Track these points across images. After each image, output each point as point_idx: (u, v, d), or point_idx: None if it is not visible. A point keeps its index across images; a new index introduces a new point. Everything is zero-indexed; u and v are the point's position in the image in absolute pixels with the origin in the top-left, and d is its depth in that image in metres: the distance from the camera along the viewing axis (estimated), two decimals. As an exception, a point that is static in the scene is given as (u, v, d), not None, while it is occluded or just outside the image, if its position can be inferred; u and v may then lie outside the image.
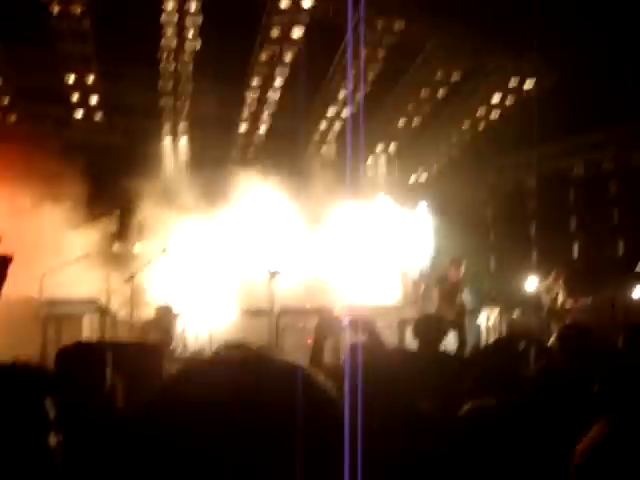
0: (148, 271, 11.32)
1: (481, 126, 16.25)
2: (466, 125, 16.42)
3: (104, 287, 11.32)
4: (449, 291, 11.98)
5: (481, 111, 15.85)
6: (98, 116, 15.05)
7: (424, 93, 15.15)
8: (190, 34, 12.56)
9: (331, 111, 15.75)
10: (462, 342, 11.32)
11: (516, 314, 13.36)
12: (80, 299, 10.82)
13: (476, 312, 12.59)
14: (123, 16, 12.04)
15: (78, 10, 11.76)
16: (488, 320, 12.98)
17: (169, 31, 12.47)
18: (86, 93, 14.22)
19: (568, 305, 12.86)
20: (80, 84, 13.85)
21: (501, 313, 13.05)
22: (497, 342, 6.09)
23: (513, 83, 14.78)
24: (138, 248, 13.59)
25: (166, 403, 1.16)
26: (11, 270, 11.14)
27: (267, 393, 1.14)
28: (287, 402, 1.12)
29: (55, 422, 2.32)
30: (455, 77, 14.54)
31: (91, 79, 13.72)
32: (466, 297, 12.28)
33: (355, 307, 12.12)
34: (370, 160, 18.06)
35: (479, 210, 18.16)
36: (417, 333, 5.81)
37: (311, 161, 17.60)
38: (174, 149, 15.96)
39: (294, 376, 1.15)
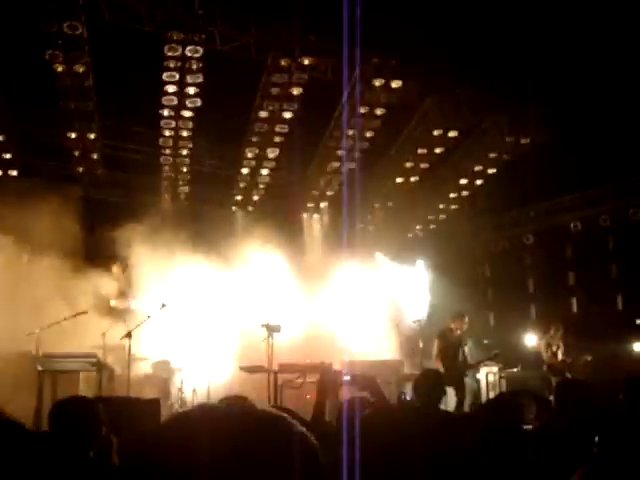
0: (146, 326, 11.27)
1: (478, 183, 16.38)
2: (463, 181, 16.55)
3: (101, 342, 11.24)
4: (451, 346, 11.96)
5: (478, 168, 15.98)
6: (99, 171, 15.19)
7: (421, 150, 15.31)
8: (191, 92, 12.74)
9: (329, 168, 15.89)
10: (461, 399, 11.24)
11: (516, 370, 13.29)
12: (77, 354, 10.75)
13: (476, 368, 12.54)
14: (125, 74, 12.25)
15: (81, 69, 11.95)
16: (488, 376, 12.91)
17: (170, 89, 12.65)
18: (87, 149, 14.38)
19: (568, 360, 12.82)
20: (82, 140, 14.01)
21: (501, 369, 12.98)
22: (498, 398, 6.04)
23: (509, 140, 14.94)
24: (136, 303, 13.55)
25: (156, 451, 1.18)
26: (8, 325, 11.15)
27: (250, 441, 1.16)
28: (269, 451, 1.14)
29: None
30: (452, 134, 14.71)
31: (93, 135, 13.89)
32: (468, 352, 12.27)
33: (355, 363, 12.05)
34: (368, 216, 18.17)
35: (477, 266, 18.19)
36: (417, 390, 5.75)
37: (309, 217, 17.71)
38: (174, 205, 16.07)
39: (277, 426, 1.17)
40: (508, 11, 10.83)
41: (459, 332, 12.11)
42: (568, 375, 12.20)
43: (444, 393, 5.94)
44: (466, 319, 12.22)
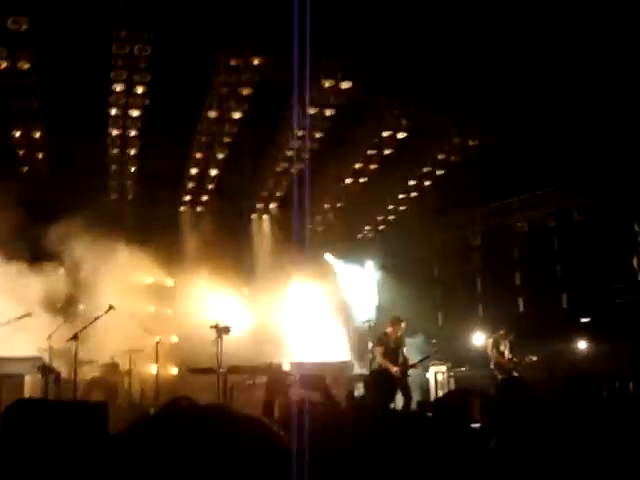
0: (93, 329, 11.09)
1: (426, 184, 16.54)
2: (412, 183, 16.69)
3: (47, 345, 11.04)
4: (391, 349, 12.02)
5: (426, 169, 16.14)
6: (44, 171, 14.90)
7: (370, 151, 15.39)
8: (139, 91, 12.59)
9: (279, 168, 15.87)
10: (407, 399, 11.31)
11: (464, 369, 13.45)
12: (22, 357, 10.55)
13: (424, 367, 12.65)
14: (70, 72, 12.03)
15: (25, 66, 11.72)
16: (437, 375, 13.04)
17: (118, 87, 12.49)
18: (32, 148, 14.10)
19: (515, 359, 13.01)
20: (26, 139, 13.74)
21: (449, 368, 13.13)
22: (446, 396, 6.11)
23: (457, 142, 15.12)
24: (83, 305, 13.34)
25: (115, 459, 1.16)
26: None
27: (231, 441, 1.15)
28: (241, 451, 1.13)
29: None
30: (400, 135, 14.81)
31: (38, 134, 13.62)
32: (409, 353, 12.34)
33: (304, 364, 12.06)
34: (317, 217, 18.20)
35: (425, 266, 18.36)
36: (368, 389, 5.79)
37: (258, 217, 17.67)
38: (121, 205, 15.86)
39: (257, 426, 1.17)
40: (461, 15, 10.93)
41: (396, 336, 12.15)
42: (515, 373, 12.39)
43: (395, 392, 6.00)
44: (402, 324, 12.26)
